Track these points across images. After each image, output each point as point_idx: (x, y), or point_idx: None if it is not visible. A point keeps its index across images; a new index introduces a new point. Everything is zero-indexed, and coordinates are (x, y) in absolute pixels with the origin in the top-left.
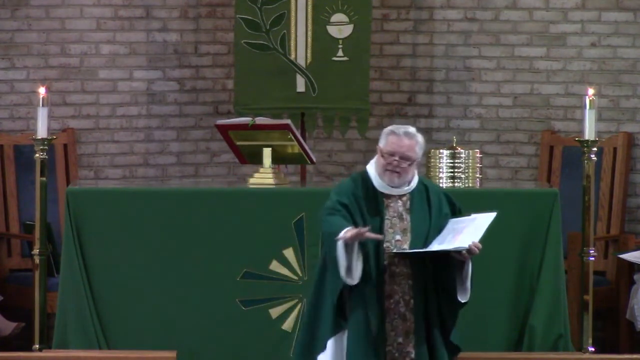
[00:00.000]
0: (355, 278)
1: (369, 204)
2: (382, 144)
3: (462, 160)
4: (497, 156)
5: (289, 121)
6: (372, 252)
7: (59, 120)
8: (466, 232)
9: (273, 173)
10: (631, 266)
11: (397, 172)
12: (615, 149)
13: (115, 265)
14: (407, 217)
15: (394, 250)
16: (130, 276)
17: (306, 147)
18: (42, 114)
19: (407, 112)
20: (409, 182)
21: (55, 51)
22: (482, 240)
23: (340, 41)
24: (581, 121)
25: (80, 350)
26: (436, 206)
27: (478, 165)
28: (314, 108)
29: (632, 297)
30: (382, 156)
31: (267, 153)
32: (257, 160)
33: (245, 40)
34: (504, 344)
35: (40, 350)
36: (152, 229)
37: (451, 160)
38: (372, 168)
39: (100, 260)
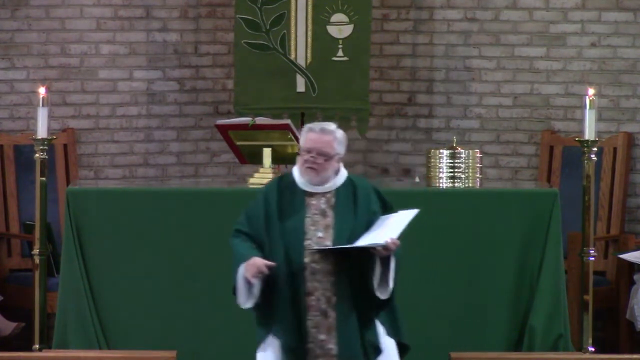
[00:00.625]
0: (245, 305)
1: (290, 202)
2: (301, 141)
3: (462, 160)
4: (497, 156)
5: (289, 121)
6: (293, 249)
7: (59, 120)
8: (387, 229)
9: (273, 173)
10: (631, 266)
11: (314, 169)
12: (615, 149)
13: (115, 265)
14: (330, 214)
15: (315, 247)
16: (130, 276)
17: None
18: (42, 114)
19: (407, 112)
20: (332, 179)
21: (55, 51)
22: (482, 240)
23: (340, 41)
24: (581, 121)
25: (80, 350)
26: (363, 204)
27: (478, 165)
28: (314, 108)
29: (632, 297)
30: (300, 154)
31: (267, 153)
32: (257, 160)
33: (245, 40)
34: (504, 344)
35: (40, 350)
36: (152, 229)
37: (451, 160)
38: (296, 168)
39: (100, 260)
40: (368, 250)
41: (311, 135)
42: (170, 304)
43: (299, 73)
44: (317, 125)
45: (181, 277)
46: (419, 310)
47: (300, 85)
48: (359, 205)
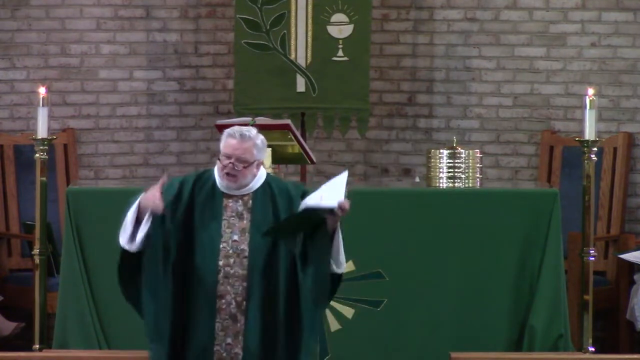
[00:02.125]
0: (136, 245)
1: (206, 203)
2: (221, 146)
3: (462, 160)
4: (497, 156)
5: (289, 121)
6: (208, 251)
7: (59, 120)
8: (327, 195)
9: (273, 173)
10: (631, 266)
11: (232, 175)
12: (615, 149)
13: (115, 265)
14: (247, 216)
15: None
16: None
17: (306, 147)
18: (42, 114)
19: (407, 112)
20: (250, 183)
21: (55, 51)
22: (482, 240)
23: (340, 41)
24: (581, 121)
25: (80, 350)
26: (283, 203)
27: (478, 165)
28: (314, 108)
29: (632, 297)
30: (220, 158)
31: (267, 153)
32: None
33: (245, 40)
34: (504, 344)
35: (40, 350)
36: None
37: (451, 160)
38: (216, 169)
39: (100, 260)
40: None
41: (230, 141)
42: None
43: (299, 73)
44: (236, 130)
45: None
46: (419, 310)
47: (300, 85)
48: (278, 205)
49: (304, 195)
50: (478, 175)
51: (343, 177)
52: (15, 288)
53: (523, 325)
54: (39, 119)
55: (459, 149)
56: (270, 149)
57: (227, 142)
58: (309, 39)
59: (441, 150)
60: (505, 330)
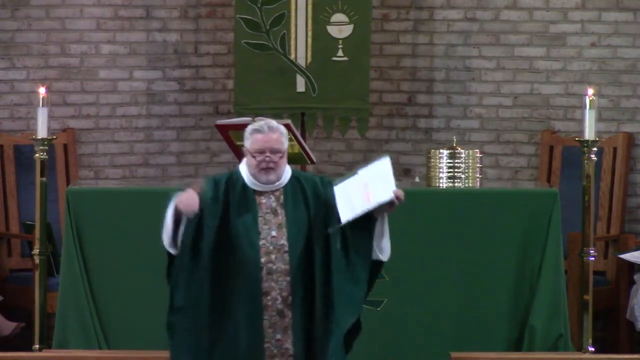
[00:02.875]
0: (178, 246)
1: (239, 203)
2: (247, 144)
3: (462, 160)
4: (497, 156)
5: (289, 121)
6: (249, 249)
7: (59, 120)
8: (374, 186)
9: None
10: (631, 266)
11: (271, 168)
12: (615, 149)
13: (115, 265)
14: (281, 211)
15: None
16: (130, 276)
17: (306, 147)
18: (42, 114)
19: (407, 112)
20: (282, 175)
21: (55, 51)
22: (482, 240)
23: (340, 41)
24: (581, 121)
25: (80, 350)
26: (312, 194)
27: (478, 165)
28: (314, 108)
29: (632, 297)
30: (253, 156)
31: None
32: None
33: (245, 40)
34: (504, 344)
35: (40, 350)
36: (152, 229)
37: (451, 160)
38: (244, 167)
39: (100, 260)
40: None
41: (259, 135)
42: None
43: (299, 73)
44: (261, 125)
45: None
46: (419, 310)
47: (300, 85)
48: (309, 197)
49: (331, 185)
50: (478, 175)
51: (386, 164)
52: (15, 288)
53: (523, 325)
54: (39, 119)
55: (459, 149)
56: None
57: (256, 137)
58: (309, 39)
59: (441, 150)
60: (505, 330)
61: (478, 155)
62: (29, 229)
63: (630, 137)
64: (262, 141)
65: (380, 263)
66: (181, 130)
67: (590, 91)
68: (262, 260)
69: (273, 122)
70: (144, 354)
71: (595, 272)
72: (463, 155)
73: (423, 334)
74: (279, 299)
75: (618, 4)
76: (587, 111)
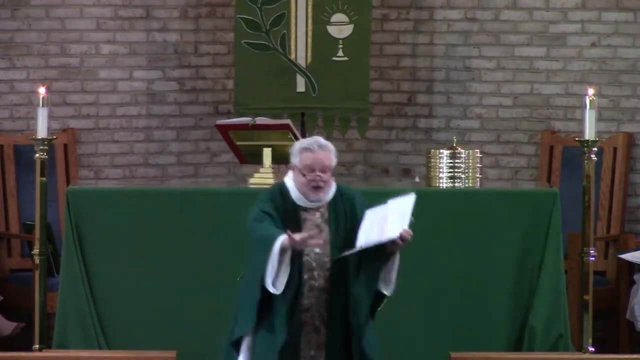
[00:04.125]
0: (279, 287)
1: (286, 218)
2: (296, 161)
3: (462, 160)
4: (497, 156)
5: (289, 121)
6: (293, 265)
7: (59, 120)
8: (392, 220)
9: (273, 173)
10: (631, 266)
11: (320, 187)
12: (615, 149)
13: (115, 265)
14: (325, 228)
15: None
16: (130, 276)
17: None
18: (42, 114)
19: (407, 112)
20: (328, 194)
21: (55, 51)
22: (482, 240)
23: (340, 41)
24: (581, 121)
25: (80, 350)
26: (350, 212)
27: (478, 165)
28: (314, 108)
29: (632, 297)
30: (303, 175)
31: (267, 153)
32: (257, 160)
33: (245, 40)
34: (504, 344)
35: (40, 350)
36: (152, 229)
37: (451, 160)
38: (290, 182)
39: (100, 260)
40: (376, 248)
41: (309, 154)
42: (170, 304)
43: (299, 73)
44: (311, 142)
45: (181, 277)
46: (419, 310)
47: (300, 85)
48: (350, 215)
49: (364, 207)
50: (478, 175)
51: (409, 202)
52: (15, 288)
53: (523, 325)
54: (39, 119)
55: (459, 149)
56: (270, 149)
57: (306, 155)
58: (309, 39)
59: (441, 150)
60: (505, 330)
61: (478, 155)
62: (29, 229)
63: (630, 137)
64: (312, 159)
65: (382, 296)
66: (181, 130)
67: (590, 91)
68: (305, 277)
69: (322, 140)
70: (144, 354)
71: (595, 272)
72: (463, 155)
73: (423, 334)
74: (317, 315)
75: (618, 4)
76: (587, 111)
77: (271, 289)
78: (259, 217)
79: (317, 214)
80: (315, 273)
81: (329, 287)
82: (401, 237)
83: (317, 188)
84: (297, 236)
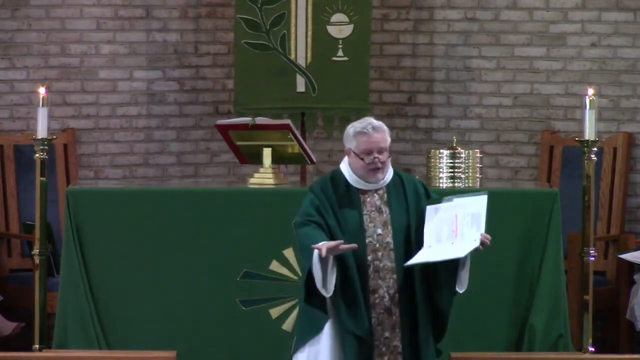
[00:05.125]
0: (329, 290)
1: (344, 202)
2: (352, 145)
3: (462, 160)
4: (497, 156)
5: (289, 121)
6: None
7: (59, 120)
8: (464, 224)
9: (273, 173)
10: (631, 266)
11: (379, 168)
12: (615, 149)
13: (115, 265)
14: (385, 210)
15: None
16: (130, 276)
17: (306, 147)
18: (42, 114)
19: (407, 112)
20: (386, 174)
21: (55, 51)
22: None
23: (340, 41)
24: (581, 121)
25: (80, 350)
26: (412, 195)
27: (478, 165)
28: (314, 108)
29: (632, 297)
30: (360, 158)
31: (267, 153)
32: (257, 160)
33: (245, 40)
34: (504, 344)
35: (40, 350)
36: (152, 229)
37: (451, 160)
38: (345, 167)
39: (100, 260)
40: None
41: (365, 137)
42: (170, 304)
43: (299, 73)
44: (365, 125)
45: (181, 277)
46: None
47: (300, 85)
48: (408, 197)
49: (427, 194)
50: (478, 175)
51: (483, 202)
52: (15, 288)
53: (523, 325)
54: (39, 119)
55: (459, 149)
56: (270, 149)
57: (361, 139)
58: (309, 39)
59: (441, 150)
60: (505, 330)
61: (478, 155)
62: (29, 229)
63: (630, 137)
64: (368, 142)
65: (454, 293)
66: (181, 130)
67: (591, 91)
68: (369, 258)
69: (375, 121)
70: (144, 354)
71: (595, 272)
72: (463, 155)
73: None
74: (386, 296)
75: (618, 4)
76: (587, 111)
77: (323, 292)
78: (303, 220)
79: (376, 196)
80: (380, 254)
81: (396, 267)
82: (482, 243)
83: (376, 170)
84: (324, 249)
